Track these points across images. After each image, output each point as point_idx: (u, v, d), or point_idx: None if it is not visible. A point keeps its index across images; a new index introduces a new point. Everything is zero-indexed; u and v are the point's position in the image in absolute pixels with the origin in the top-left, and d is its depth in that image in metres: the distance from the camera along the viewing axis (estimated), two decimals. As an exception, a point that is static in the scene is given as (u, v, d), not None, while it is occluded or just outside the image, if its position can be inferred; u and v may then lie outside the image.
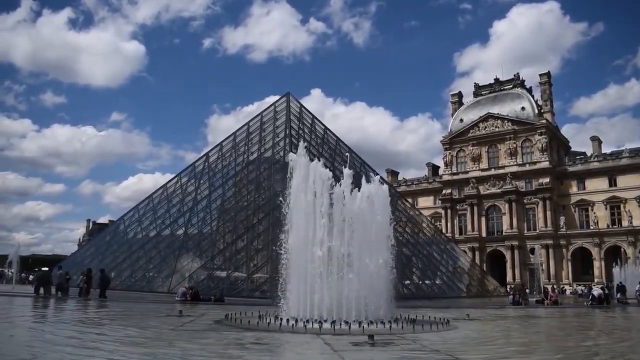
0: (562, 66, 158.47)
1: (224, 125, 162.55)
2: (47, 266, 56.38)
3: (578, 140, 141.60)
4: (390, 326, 12.18)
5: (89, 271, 26.00)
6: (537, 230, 66.20)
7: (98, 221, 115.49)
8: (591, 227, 63.77)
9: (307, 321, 12.36)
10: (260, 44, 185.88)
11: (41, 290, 25.00)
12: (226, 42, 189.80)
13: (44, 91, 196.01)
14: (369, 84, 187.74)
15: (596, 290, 29.30)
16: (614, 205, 64.03)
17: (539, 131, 68.57)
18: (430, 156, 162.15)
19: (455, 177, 74.29)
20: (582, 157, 70.79)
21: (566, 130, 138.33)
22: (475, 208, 70.51)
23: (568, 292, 56.33)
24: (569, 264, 64.34)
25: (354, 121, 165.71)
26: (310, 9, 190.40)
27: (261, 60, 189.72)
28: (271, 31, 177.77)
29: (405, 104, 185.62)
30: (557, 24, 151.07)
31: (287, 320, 12.21)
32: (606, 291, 30.58)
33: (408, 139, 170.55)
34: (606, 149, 72.50)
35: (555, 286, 49.97)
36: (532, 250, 62.24)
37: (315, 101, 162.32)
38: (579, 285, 58.20)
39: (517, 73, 78.84)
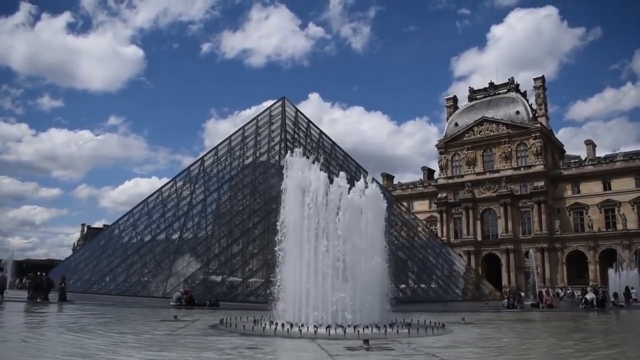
0: (560, 71, 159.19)
1: (221, 130, 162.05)
2: (41, 271, 56.01)
3: (575, 143, 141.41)
4: (386, 330, 12.19)
5: (36, 274, 26.71)
6: (532, 234, 66.29)
7: (93, 226, 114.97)
8: (586, 231, 63.91)
9: (303, 326, 12.35)
10: (258, 49, 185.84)
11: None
12: (224, 46, 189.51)
13: (41, 95, 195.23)
14: (367, 89, 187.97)
15: (589, 295, 29.45)
16: (609, 208, 64.20)
17: (534, 135, 68.72)
18: (427, 160, 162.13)
19: (450, 180, 74.36)
20: (576, 160, 71.01)
21: (563, 134, 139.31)
22: (471, 212, 70.54)
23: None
24: (564, 267, 64.44)
25: (352, 125, 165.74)
26: (309, 13, 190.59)
27: (259, 65, 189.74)
28: (270, 35, 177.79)
29: (403, 108, 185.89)
30: (555, 29, 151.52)
31: (283, 325, 12.21)
32: (600, 295, 30.70)
33: (405, 143, 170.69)
34: (603, 153, 72.70)
35: (550, 289, 50.07)
36: (527, 254, 62.26)
37: (313, 105, 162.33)
38: (561, 288, 58.57)
39: (512, 77, 79.04)
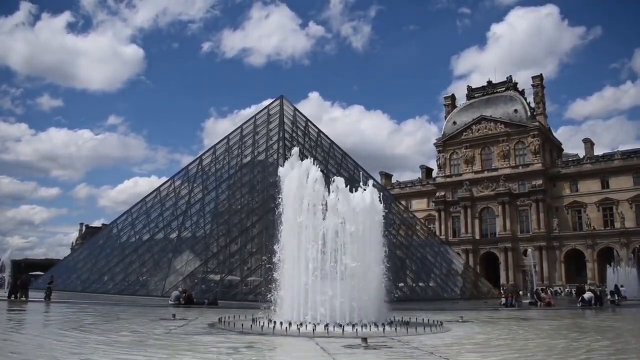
0: (560, 70, 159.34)
1: (220, 129, 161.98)
2: (39, 270, 56.25)
3: (574, 142, 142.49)
4: (384, 329, 12.19)
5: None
6: (531, 232, 66.37)
7: (92, 225, 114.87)
8: (584, 229, 63.98)
9: (301, 324, 12.36)
10: (258, 48, 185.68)
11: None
12: (225, 45, 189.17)
13: (40, 95, 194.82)
14: (367, 88, 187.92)
15: (587, 294, 29.60)
16: (607, 207, 64.28)
17: (532, 133, 68.82)
18: (427, 159, 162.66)
19: (448, 179, 74.44)
20: (574, 159, 71.09)
21: (562, 133, 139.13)
22: (469, 210, 70.62)
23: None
24: (562, 265, 64.56)
25: (352, 124, 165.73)
26: (310, 12, 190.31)
27: (259, 64, 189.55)
28: (270, 35, 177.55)
29: (403, 107, 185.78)
30: (555, 27, 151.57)
31: (281, 324, 12.20)
32: (597, 293, 30.87)
33: (405, 141, 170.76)
34: (601, 152, 72.71)
35: (548, 288, 50.14)
36: (526, 252, 62.37)
37: (312, 104, 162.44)
38: (557, 286, 58.86)
39: (510, 76, 79.10)
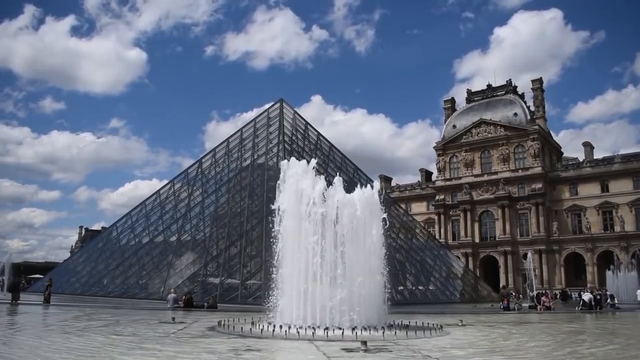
0: (563, 73, 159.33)
1: (222, 132, 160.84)
2: (39, 273, 56.27)
3: (575, 145, 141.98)
4: (384, 332, 12.20)
5: None
6: (530, 236, 66.34)
7: (91, 228, 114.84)
8: (584, 233, 63.98)
9: (300, 327, 12.36)
10: (262, 51, 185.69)
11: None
12: (228, 48, 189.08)
13: (43, 98, 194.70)
14: (370, 91, 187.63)
15: (586, 296, 29.57)
16: (606, 210, 64.29)
17: (532, 137, 68.87)
18: (428, 162, 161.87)
19: (448, 182, 74.42)
20: (574, 162, 71.15)
21: (563, 136, 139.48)
22: (469, 214, 70.63)
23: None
24: (562, 269, 64.53)
25: (353, 128, 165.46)
26: (313, 16, 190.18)
27: (262, 67, 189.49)
28: (273, 38, 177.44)
29: (405, 110, 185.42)
30: (559, 31, 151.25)
31: (280, 327, 12.21)
32: (597, 296, 30.89)
33: (407, 145, 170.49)
34: (603, 155, 72.93)
35: (548, 291, 50.08)
36: (525, 256, 62.35)
37: (315, 108, 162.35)
38: (555, 290, 58.83)
39: (510, 79, 79.13)
